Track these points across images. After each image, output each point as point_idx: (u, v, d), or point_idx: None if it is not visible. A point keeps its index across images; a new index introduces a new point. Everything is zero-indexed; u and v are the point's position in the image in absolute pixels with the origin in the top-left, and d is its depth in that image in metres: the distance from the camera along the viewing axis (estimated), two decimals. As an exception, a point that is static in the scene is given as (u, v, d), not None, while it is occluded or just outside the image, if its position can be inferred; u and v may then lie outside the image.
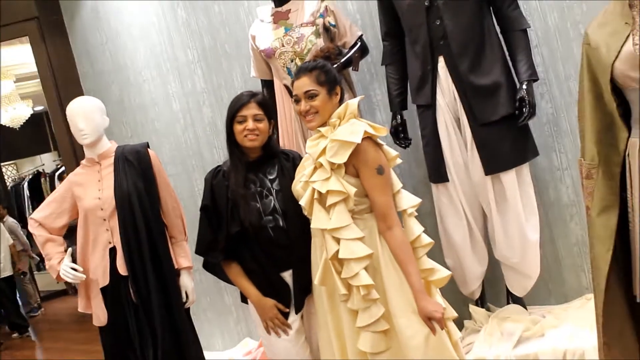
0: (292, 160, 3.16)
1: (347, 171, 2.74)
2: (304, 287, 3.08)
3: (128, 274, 3.55)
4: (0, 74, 8.73)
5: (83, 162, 3.79)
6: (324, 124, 2.84)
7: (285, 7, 4.01)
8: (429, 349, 2.70)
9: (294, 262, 3.06)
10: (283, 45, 3.92)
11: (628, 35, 2.58)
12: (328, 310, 2.86)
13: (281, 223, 3.00)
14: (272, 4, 4.07)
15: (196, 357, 3.71)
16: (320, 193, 2.73)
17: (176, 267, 3.69)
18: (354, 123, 2.77)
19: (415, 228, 2.84)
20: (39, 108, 10.21)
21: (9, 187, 12.78)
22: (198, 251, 3.21)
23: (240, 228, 3.01)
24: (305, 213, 2.86)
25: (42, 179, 11.84)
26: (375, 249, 2.75)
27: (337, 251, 2.70)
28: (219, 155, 4.72)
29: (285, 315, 3.07)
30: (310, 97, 2.83)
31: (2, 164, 12.83)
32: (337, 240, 2.71)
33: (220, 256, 3.11)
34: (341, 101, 2.90)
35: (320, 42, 3.87)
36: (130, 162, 3.67)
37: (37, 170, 12.29)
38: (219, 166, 3.21)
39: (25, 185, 11.89)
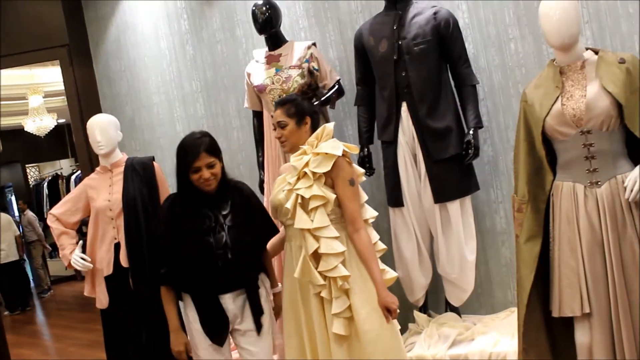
0: (244, 195, 2.98)
1: (327, 182, 2.74)
2: (258, 307, 2.92)
3: (129, 266, 3.53)
4: (31, 89, 8.68)
5: (97, 169, 3.76)
6: (297, 147, 2.83)
7: (277, 51, 4.02)
8: (381, 342, 2.70)
9: (237, 286, 2.88)
10: (273, 83, 3.93)
11: (558, 97, 2.63)
12: (301, 304, 2.81)
13: (229, 256, 2.81)
14: (267, 48, 4.08)
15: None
16: (303, 198, 2.70)
17: (170, 263, 3.66)
18: (335, 141, 2.77)
19: (373, 235, 2.86)
20: (61, 120, 10.11)
21: (31, 186, 12.62)
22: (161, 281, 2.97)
23: (191, 258, 2.82)
24: (288, 216, 2.78)
25: (60, 181, 11.68)
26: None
27: (317, 248, 2.68)
28: (213, 171, 4.70)
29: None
30: (281, 127, 2.88)
31: (27, 165, 12.66)
32: (317, 239, 2.69)
33: (167, 281, 2.92)
34: (316, 127, 2.90)
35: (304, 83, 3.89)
36: (137, 172, 3.65)
37: (56, 173, 12.14)
38: (173, 195, 2.99)
39: (45, 185, 11.73)
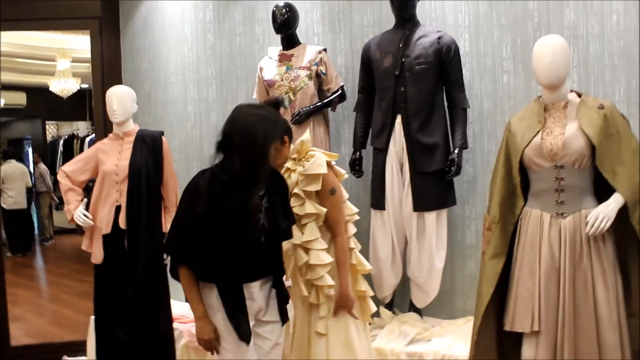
0: (279, 177, 2.62)
1: (312, 197, 2.76)
2: (285, 295, 2.61)
3: (126, 228, 3.53)
4: (59, 53, 8.63)
5: (110, 135, 3.75)
6: (281, 165, 2.66)
7: (290, 51, 4.01)
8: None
9: (265, 273, 2.55)
10: (282, 80, 3.92)
11: (539, 131, 2.64)
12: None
13: (262, 239, 2.47)
14: (281, 47, 4.06)
15: (164, 300, 3.67)
16: (297, 215, 2.69)
17: (163, 230, 3.64)
18: (318, 157, 2.74)
19: (350, 229, 2.89)
20: (84, 85, 10.03)
21: (48, 142, 12.55)
22: (169, 248, 2.56)
23: (229, 239, 2.41)
24: None
25: (75, 141, 11.63)
26: (333, 256, 2.79)
27: (307, 261, 2.72)
28: (216, 152, 4.68)
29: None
30: None
31: (47, 122, 12.59)
32: (307, 251, 2.72)
33: (200, 264, 2.41)
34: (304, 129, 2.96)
35: (311, 84, 3.88)
36: (146, 144, 3.64)
37: (73, 133, 12.08)
38: (208, 171, 2.47)
39: (61, 142, 11.68)
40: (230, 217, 2.38)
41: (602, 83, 3.52)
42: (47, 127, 12.77)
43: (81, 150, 10.96)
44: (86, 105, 12.62)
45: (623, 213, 2.51)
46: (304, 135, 2.83)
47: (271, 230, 2.48)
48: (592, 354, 2.49)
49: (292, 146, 2.73)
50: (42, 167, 10.73)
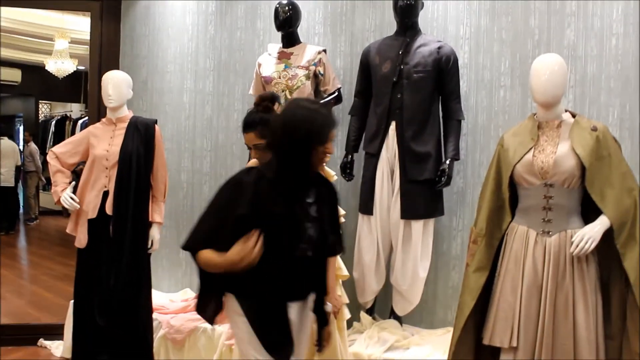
0: (329, 185, 2.37)
1: None
2: (325, 318, 2.37)
3: (112, 214, 3.51)
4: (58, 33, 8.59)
5: (103, 119, 3.73)
6: None
7: (289, 50, 4.00)
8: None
9: (306, 293, 2.31)
10: (279, 78, 3.91)
11: (531, 148, 2.65)
12: None
13: (309, 253, 2.21)
14: (281, 44, 4.06)
15: (145, 290, 3.66)
16: None
17: (150, 219, 3.64)
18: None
19: None
20: (81, 67, 9.98)
21: (40, 121, 12.47)
22: (194, 244, 2.22)
23: (273, 252, 2.12)
24: None
25: (67, 122, 11.55)
26: None
27: None
28: (208, 144, 4.67)
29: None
30: (258, 149, 2.57)
31: (40, 101, 12.51)
32: None
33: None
34: None
35: (309, 84, 3.87)
36: (139, 131, 3.62)
37: (66, 114, 12.00)
38: (255, 169, 2.24)
39: (53, 123, 11.60)
40: (276, 224, 2.12)
41: (597, 104, 3.55)
42: (40, 106, 12.69)
43: (73, 132, 10.89)
44: (81, 87, 12.55)
45: (608, 236, 2.53)
46: None
47: (319, 242, 2.24)
48: (568, 373, 2.50)
49: None
50: (33, 146, 10.67)
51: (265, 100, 2.58)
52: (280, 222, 2.14)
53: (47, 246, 8.86)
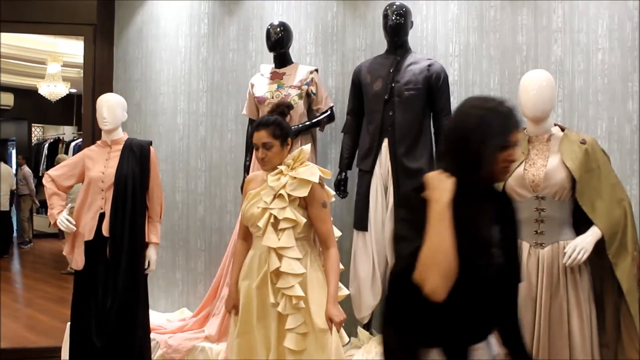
0: (511, 203, 1.97)
1: (300, 204, 2.69)
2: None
3: (109, 236, 3.52)
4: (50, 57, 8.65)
5: (98, 142, 3.75)
6: (275, 168, 2.75)
7: (282, 70, 4.05)
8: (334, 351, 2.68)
9: (494, 328, 1.90)
10: (273, 98, 3.95)
11: (522, 162, 2.70)
12: (256, 307, 2.74)
13: (499, 279, 1.84)
14: (273, 65, 4.11)
15: (143, 309, 3.66)
16: (276, 218, 2.65)
17: (146, 240, 3.65)
18: (313, 167, 2.72)
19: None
20: (73, 90, 10.04)
21: (33, 144, 12.48)
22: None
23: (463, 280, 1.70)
24: (259, 232, 2.70)
25: (60, 145, 11.56)
26: (306, 268, 2.70)
27: (278, 267, 2.63)
28: (203, 164, 4.70)
29: None
30: (267, 148, 2.72)
31: (33, 124, 12.53)
32: (280, 258, 2.64)
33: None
34: (291, 148, 2.83)
35: (301, 103, 3.92)
36: (134, 152, 3.65)
37: (58, 137, 12.01)
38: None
39: (46, 146, 11.60)
40: (465, 245, 1.72)
41: (585, 118, 3.60)
42: (32, 129, 12.70)
43: (66, 154, 10.90)
44: (73, 110, 12.59)
45: (600, 246, 2.58)
46: (305, 146, 2.82)
47: (508, 269, 1.88)
48: (564, 383, 2.53)
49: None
50: (26, 169, 10.68)
51: (282, 106, 2.80)
52: (470, 245, 1.74)
53: (41, 269, 8.83)
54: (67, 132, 12.55)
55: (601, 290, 2.68)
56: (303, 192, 2.66)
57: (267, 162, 2.74)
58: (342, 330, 2.88)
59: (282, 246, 2.64)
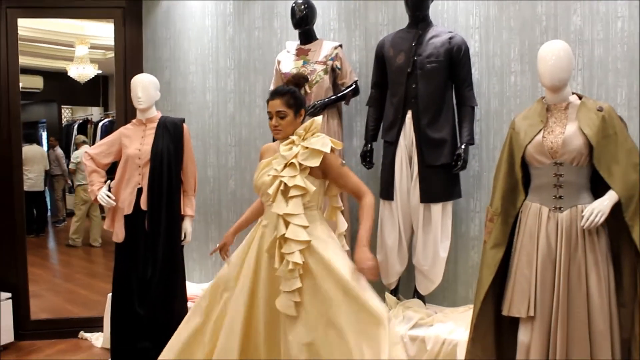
0: None
1: (312, 173, 2.70)
2: None
3: (147, 209, 3.71)
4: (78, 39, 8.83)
5: (134, 121, 3.91)
6: (288, 137, 2.77)
7: (307, 46, 4.17)
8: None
9: None
10: (299, 73, 4.07)
11: (540, 130, 2.80)
12: (266, 278, 2.73)
13: None
14: (299, 41, 4.23)
15: (181, 279, 3.84)
16: (286, 185, 2.66)
17: (182, 213, 3.83)
18: (324, 137, 2.73)
19: (341, 224, 2.92)
20: (99, 72, 10.22)
21: (62, 125, 12.74)
22: None
23: None
24: (269, 200, 2.73)
25: (89, 125, 11.76)
26: (313, 237, 2.67)
27: (284, 233, 2.63)
28: (232, 139, 4.86)
29: None
30: (280, 117, 2.75)
31: (62, 106, 12.78)
32: (287, 224, 2.64)
33: None
34: (303, 120, 2.85)
35: (327, 78, 4.04)
36: (168, 130, 3.81)
37: (87, 118, 12.22)
38: None
39: (76, 126, 11.83)
40: None
41: (605, 86, 3.68)
42: (62, 111, 12.96)
43: (95, 134, 11.12)
44: (100, 91, 12.81)
45: (617, 209, 2.68)
46: (317, 117, 2.84)
47: None
48: (583, 340, 2.66)
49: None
50: (59, 150, 10.94)
51: (298, 78, 2.87)
52: None
53: (90, 251, 9.10)
54: (94, 112, 12.80)
55: (618, 251, 2.77)
56: (314, 162, 2.68)
57: (280, 130, 2.77)
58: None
59: (289, 212, 2.64)
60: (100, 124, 11.02)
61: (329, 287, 2.58)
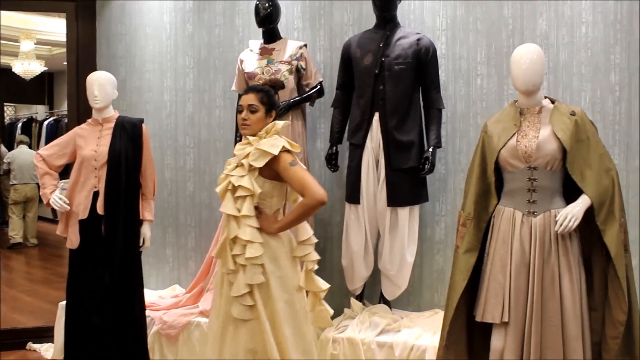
0: None
1: (264, 174, 2.71)
2: None
3: (104, 214, 3.56)
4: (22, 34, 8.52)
5: (89, 120, 3.76)
6: (253, 135, 2.79)
7: (271, 45, 4.09)
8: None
9: None
10: (263, 73, 3.99)
11: (514, 134, 2.80)
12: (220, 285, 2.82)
13: None
14: (262, 40, 4.14)
15: (139, 286, 3.72)
16: (233, 185, 2.68)
17: (141, 218, 3.70)
18: (277, 139, 2.73)
19: (307, 229, 2.84)
20: (45, 68, 9.90)
21: (5, 124, 12.29)
22: None
23: None
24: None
25: (34, 124, 11.41)
26: (270, 242, 2.72)
27: (236, 234, 2.66)
28: (191, 141, 4.74)
29: None
30: (251, 111, 2.77)
31: (5, 103, 12.33)
32: (239, 225, 2.67)
33: None
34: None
35: (292, 78, 3.97)
36: (126, 130, 3.68)
37: (31, 116, 11.86)
38: None
39: (19, 125, 11.45)
40: None
41: (570, 90, 3.73)
42: (5, 108, 12.50)
43: (39, 134, 10.79)
44: (45, 88, 12.42)
45: (589, 214, 2.70)
46: (281, 121, 2.83)
47: None
48: (556, 344, 2.67)
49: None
50: (3, 148, 10.53)
51: (273, 82, 2.98)
52: None
53: (22, 250, 8.77)
54: (39, 111, 12.40)
55: (589, 255, 2.80)
56: (259, 163, 2.67)
57: (247, 125, 2.77)
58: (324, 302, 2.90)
59: (243, 214, 2.66)
60: (46, 122, 10.71)
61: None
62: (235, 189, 2.70)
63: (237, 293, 2.66)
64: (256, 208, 2.72)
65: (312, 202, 2.66)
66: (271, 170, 2.71)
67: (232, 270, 2.70)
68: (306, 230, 2.85)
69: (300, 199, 2.77)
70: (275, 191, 2.77)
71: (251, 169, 2.69)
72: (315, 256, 2.84)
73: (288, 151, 2.73)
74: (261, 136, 2.76)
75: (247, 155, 2.71)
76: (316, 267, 2.83)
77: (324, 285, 2.86)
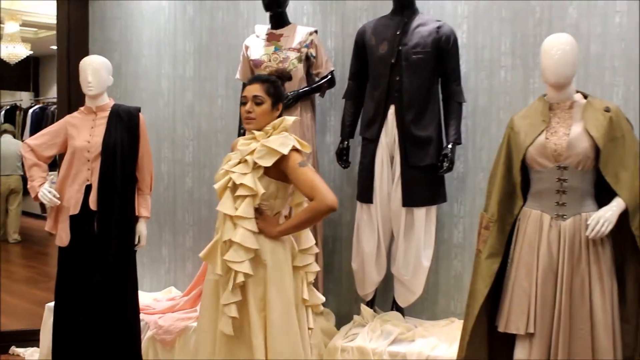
0: None
1: (270, 174, 2.65)
2: None
3: (97, 209, 3.55)
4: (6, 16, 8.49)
5: (81, 108, 3.76)
6: (259, 129, 2.72)
7: (279, 31, 4.07)
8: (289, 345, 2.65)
9: None
10: (270, 61, 3.97)
11: (543, 130, 2.79)
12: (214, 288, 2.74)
13: None
14: (269, 25, 4.12)
15: (132, 288, 3.72)
16: (234, 183, 2.62)
17: (136, 214, 3.70)
18: (287, 137, 2.66)
19: (309, 237, 2.82)
20: (31, 52, 9.88)
21: (-13, 112, 12.29)
22: None
23: None
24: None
25: (17, 112, 11.43)
26: (264, 248, 2.66)
27: (231, 237, 2.59)
28: (191, 132, 4.73)
29: None
30: (256, 103, 2.70)
31: (-14, 90, 12.33)
32: (236, 227, 2.60)
33: None
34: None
35: (301, 66, 3.96)
36: (121, 119, 3.67)
37: (15, 104, 11.87)
38: None
39: (2, 113, 11.46)
40: None
41: (600, 85, 3.70)
42: (-14, 95, 12.50)
43: (24, 122, 10.79)
44: (30, 74, 12.41)
45: (622, 218, 2.69)
46: (290, 117, 2.79)
47: None
48: (586, 358, 2.66)
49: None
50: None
51: (281, 72, 2.89)
52: None
53: (4, 247, 8.78)
54: (24, 97, 12.40)
55: (621, 263, 2.79)
56: (267, 162, 2.61)
57: (252, 119, 2.72)
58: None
59: (239, 215, 2.60)
60: (31, 110, 10.73)
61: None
62: (235, 187, 2.64)
63: (226, 301, 2.59)
64: (257, 209, 2.67)
65: (322, 207, 2.61)
66: (278, 170, 2.66)
67: (219, 275, 2.63)
68: (309, 237, 2.82)
69: (306, 204, 2.75)
70: (280, 192, 2.74)
71: (256, 167, 2.63)
72: (316, 268, 2.82)
73: (297, 150, 2.69)
74: (268, 132, 2.70)
75: (252, 152, 2.64)
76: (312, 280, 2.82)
77: (321, 299, 2.85)
